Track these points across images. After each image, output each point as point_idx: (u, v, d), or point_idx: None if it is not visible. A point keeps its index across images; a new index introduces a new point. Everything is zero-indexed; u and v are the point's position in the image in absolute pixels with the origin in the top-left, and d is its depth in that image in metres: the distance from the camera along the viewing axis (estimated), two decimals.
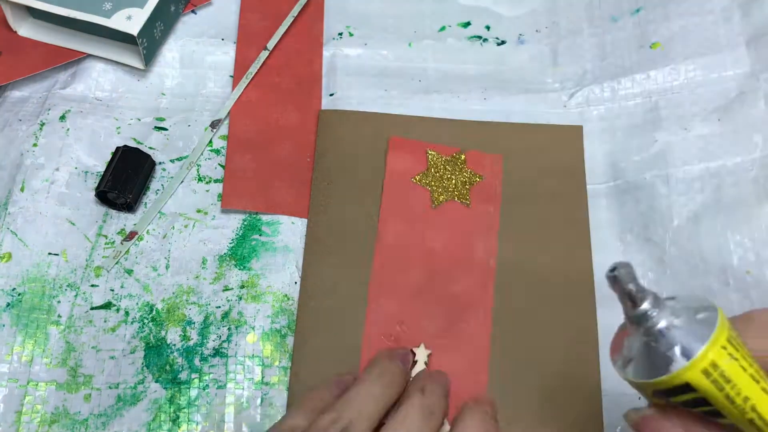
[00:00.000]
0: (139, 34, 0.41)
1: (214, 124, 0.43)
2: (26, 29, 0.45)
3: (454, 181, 0.40)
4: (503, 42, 0.47)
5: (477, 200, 0.40)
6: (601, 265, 0.40)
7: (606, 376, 0.36)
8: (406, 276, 0.38)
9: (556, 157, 0.42)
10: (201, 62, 0.46)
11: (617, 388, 0.35)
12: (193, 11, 0.47)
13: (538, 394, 0.36)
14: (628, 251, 0.40)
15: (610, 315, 0.38)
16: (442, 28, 0.48)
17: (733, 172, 0.40)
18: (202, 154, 0.42)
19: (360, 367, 0.36)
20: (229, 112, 0.43)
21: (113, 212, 0.40)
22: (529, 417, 0.35)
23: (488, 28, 0.48)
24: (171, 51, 0.46)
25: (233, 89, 0.44)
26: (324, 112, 0.43)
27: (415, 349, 0.36)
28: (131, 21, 0.42)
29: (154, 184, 0.41)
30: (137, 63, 0.44)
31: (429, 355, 0.36)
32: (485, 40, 0.47)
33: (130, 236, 0.39)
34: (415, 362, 0.36)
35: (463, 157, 0.41)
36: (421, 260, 0.39)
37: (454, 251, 0.39)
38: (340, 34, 0.47)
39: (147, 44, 0.43)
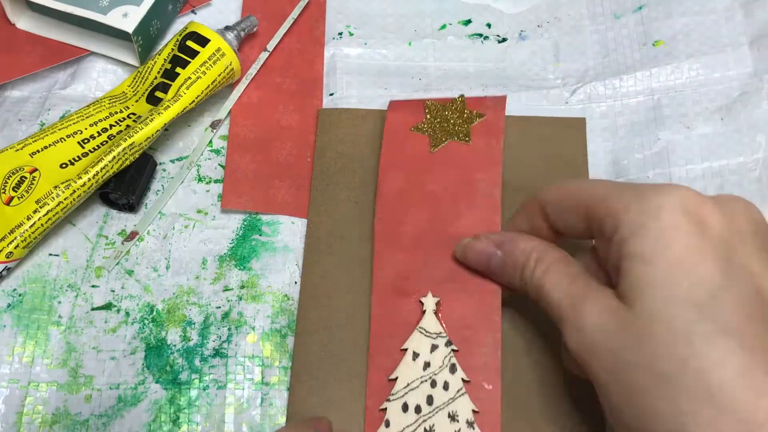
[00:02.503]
0: (134, 31, 0.41)
1: (215, 125, 0.43)
2: (24, 22, 0.45)
3: (452, 122, 0.39)
4: (504, 39, 0.47)
5: (477, 135, 0.39)
6: None
7: None
8: (408, 225, 0.37)
9: (558, 149, 0.41)
10: None
11: None
12: (192, 11, 0.47)
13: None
14: None
15: None
16: (443, 27, 0.47)
17: (736, 172, 0.39)
18: (202, 154, 0.42)
19: (371, 329, 0.36)
20: (229, 112, 0.43)
21: (114, 213, 0.40)
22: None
23: (489, 25, 0.47)
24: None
25: (233, 89, 0.44)
26: (323, 110, 0.43)
27: (422, 299, 0.36)
28: (127, 18, 0.42)
29: (155, 185, 0.41)
30: (133, 60, 0.44)
31: (437, 303, 0.35)
32: (486, 37, 0.47)
33: (131, 236, 0.39)
34: (423, 312, 0.35)
35: (461, 99, 0.40)
36: (421, 206, 0.38)
37: (455, 190, 0.38)
38: (340, 33, 0.47)
39: (142, 42, 0.43)
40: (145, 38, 0.43)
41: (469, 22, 0.48)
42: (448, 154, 0.39)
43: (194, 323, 0.37)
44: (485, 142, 0.39)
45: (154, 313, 0.38)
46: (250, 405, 0.35)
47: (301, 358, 0.36)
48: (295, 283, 0.38)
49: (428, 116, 0.40)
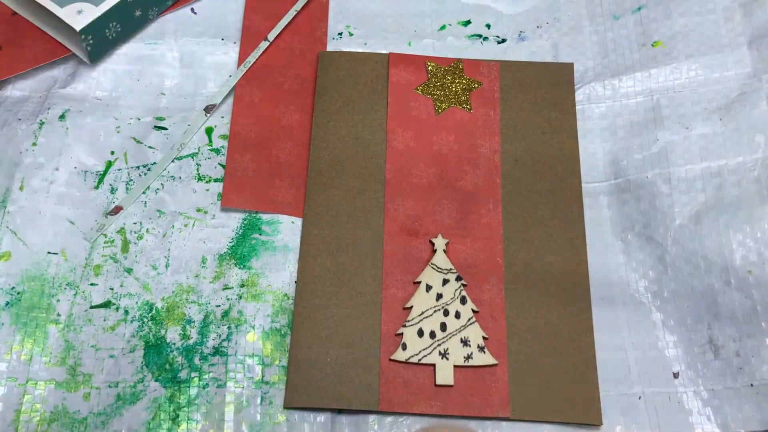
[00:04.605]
0: (83, 30, 0.41)
1: (209, 109, 0.43)
2: None
3: (454, 88, 0.43)
4: (503, 40, 0.47)
5: (477, 105, 0.43)
6: (601, 265, 0.39)
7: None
8: (417, 177, 0.41)
9: (548, 92, 0.44)
10: (201, 62, 0.46)
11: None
12: (192, 11, 0.47)
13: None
14: (628, 250, 0.40)
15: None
16: (442, 27, 0.48)
17: (735, 172, 0.40)
18: (200, 151, 0.42)
19: (383, 261, 0.38)
20: (231, 95, 0.43)
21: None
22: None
23: (488, 26, 0.48)
24: (171, 51, 0.46)
25: (231, 76, 0.44)
26: (324, 53, 0.45)
27: (433, 239, 0.39)
28: (80, 15, 0.41)
29: (154, 183, 0.41)
30: (83, 56, 0.43)
31: (447, 244, 0.39)
32: (485, 38, 0.47)
33: (115, 211, 0.39)
34: (434, 251, 0.38)
35: (461, 65, 0.44)
36: (428, 162, 0.41)
37: (460, 152, 0.42)
38: (340, 34, 0.47)
39: (93, 42, 0.42)
40: (97, 38, 0.42)
41: (468, 22, 0.48)
42: (451, 118, 0.43)
43: (194, 321, 0.37)
44: (484, 111, 0.43)
45: (154, 311, 0.37)
46: (250, 403, 0.35)
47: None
48: (296, 282, 0.38)
49: (432, 79, 0.43)
